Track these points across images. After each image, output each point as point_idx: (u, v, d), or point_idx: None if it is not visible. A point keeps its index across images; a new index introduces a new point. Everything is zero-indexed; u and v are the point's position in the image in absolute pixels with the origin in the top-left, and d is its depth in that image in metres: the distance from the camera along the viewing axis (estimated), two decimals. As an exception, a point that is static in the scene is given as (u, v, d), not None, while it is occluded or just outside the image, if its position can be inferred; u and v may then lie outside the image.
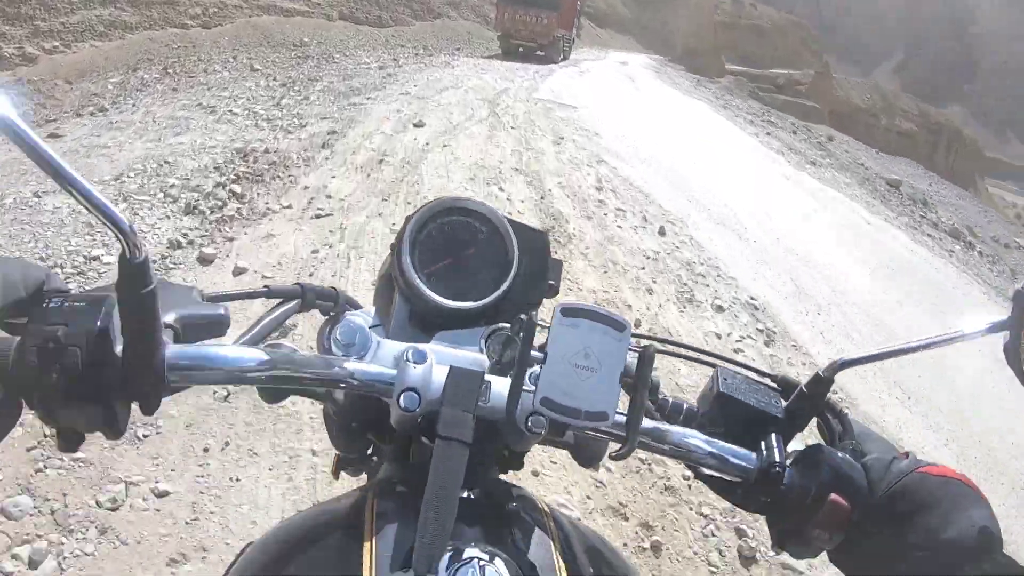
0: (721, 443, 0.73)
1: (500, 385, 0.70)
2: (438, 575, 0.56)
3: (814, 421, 0.78)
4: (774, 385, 0.82)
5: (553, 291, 0.92)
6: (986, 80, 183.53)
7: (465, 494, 0.70)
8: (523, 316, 0.70)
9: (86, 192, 0.51)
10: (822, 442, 0.74)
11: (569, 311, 0.66)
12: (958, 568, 0.60)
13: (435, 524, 0.57)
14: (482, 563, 0.59)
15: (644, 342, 0.78)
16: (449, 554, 0.59)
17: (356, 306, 0.88)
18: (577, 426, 0.66)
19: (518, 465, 0.85)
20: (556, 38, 24.66)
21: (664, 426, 0.74)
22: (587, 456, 0.87)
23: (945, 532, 0.61)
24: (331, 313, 0.83)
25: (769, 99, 35.14)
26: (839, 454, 0.70)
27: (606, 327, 0.67)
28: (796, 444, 0.75)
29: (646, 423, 0.72)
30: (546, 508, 0.75)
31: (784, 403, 0.79)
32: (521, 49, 24.06)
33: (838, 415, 0.77)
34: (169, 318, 0.66)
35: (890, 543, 0.65)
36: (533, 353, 0.67)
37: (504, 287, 0.84)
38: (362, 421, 0.83)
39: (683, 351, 0.92)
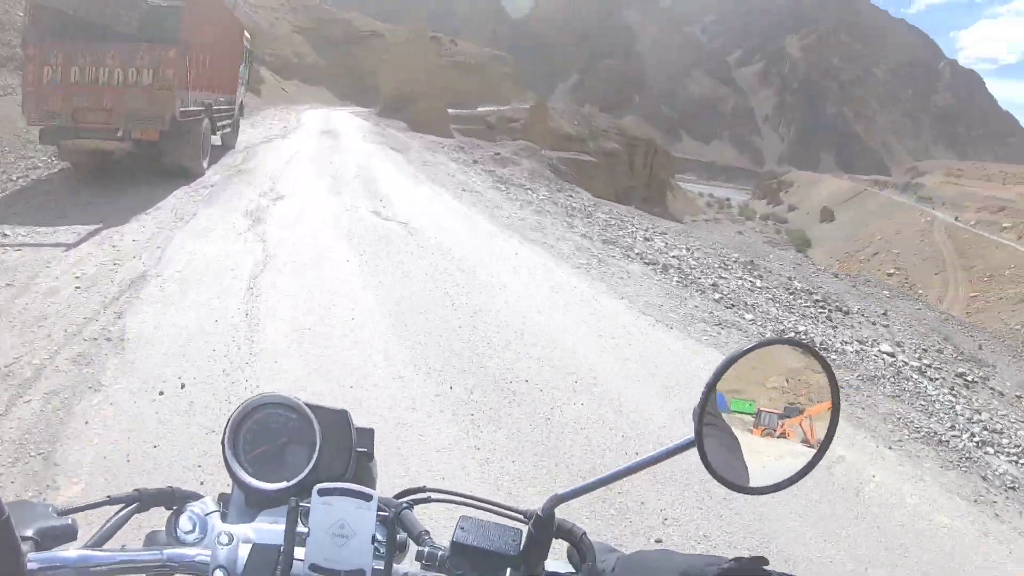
0: None
1: (300, 554, 0.83)
2: None
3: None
4: (521, 518, 0.91)
5: (367, 457, 1.08)
6: (652, 90, 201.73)
7: None
8: (292, 500, 0.85)
9: None
10: (561, 572, 0.89)
11: (324, 491, 0.83)
12: None
13: None
14: None
15: (411, 497, 0.96)
16: None
17: (195, 497, 0.96)
18: None
19: None
20: (190, 118, 11.25)
21: (419, 573, 0.87)
22: None
23: None
24: (172, 508, 0.94)
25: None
26: None
27: (355, 499, 0.83)
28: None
29: (401, 572, 0.86)
30: None
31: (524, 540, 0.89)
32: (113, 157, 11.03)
33: (577, 540, 0.89)
34: (28, 531, 0.80)
35: None
36: (300, 530, 0.83)
37: (310, 466, 0.97)
38: None
39: (443, 496, 0.97)
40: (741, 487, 0.84)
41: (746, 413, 0.88)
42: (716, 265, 10.56)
